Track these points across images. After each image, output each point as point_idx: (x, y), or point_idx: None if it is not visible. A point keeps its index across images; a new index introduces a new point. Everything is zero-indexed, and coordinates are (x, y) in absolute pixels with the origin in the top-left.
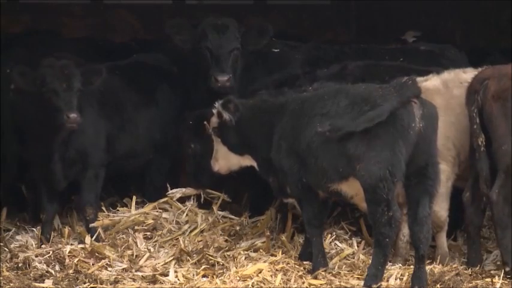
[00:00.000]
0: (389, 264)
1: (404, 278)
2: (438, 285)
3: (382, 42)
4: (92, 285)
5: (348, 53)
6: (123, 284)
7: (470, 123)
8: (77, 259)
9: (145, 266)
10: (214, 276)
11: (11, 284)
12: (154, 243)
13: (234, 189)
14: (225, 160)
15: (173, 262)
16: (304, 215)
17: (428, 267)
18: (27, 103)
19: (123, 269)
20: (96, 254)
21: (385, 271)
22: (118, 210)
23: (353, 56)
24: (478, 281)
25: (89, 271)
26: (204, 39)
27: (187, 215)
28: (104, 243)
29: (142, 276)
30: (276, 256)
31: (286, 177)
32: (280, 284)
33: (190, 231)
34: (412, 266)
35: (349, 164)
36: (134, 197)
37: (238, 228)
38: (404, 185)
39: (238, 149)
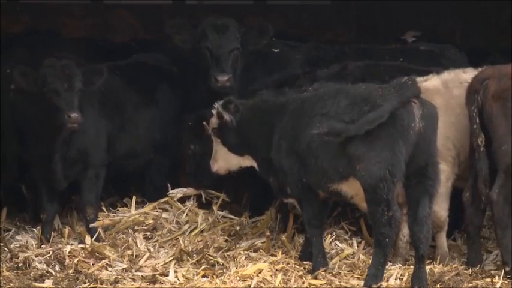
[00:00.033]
0: (389, 264)
1: (404, 278)
2: (438, 285)
3: (382, 42)
4: (92, 285)
5: (348, 53)
6: (123, 284)
7: (470, 123)
8: (77, 259)
9: (145, 266)
10: (214, 276)
11: (11, 284)
12: (154, 243)
13: (234, 189)
14: (224, 160)
15: (173, 262)
16: (304, 215)
17: (428, 267)
18: (28, 103)
19: (123, 269)
20: (96, 254)
21: (385, 271)
22: (118, 210)
23: (353, 56)
24: (478, 281)
25: (89, 271)
26: (204, 39)
27: (187, 215)
28: (104, 243)
29: (142, 276)
30: (276, 256)
31: (286, 177)
32: (280, 284)
33: (190, 231)
34: (412, 266)
35: (349, 164)
36: (134, 197)
37: (238, 228)
38: (404, 185)
39: (238, 149)
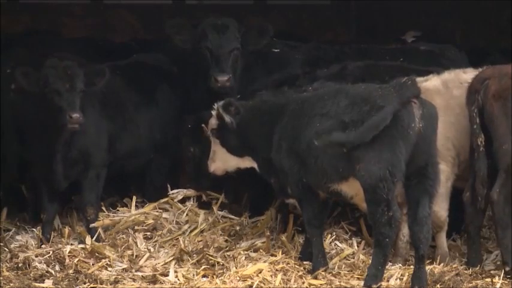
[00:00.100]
0: (390, 264)
1: (404, 278)
2: (438, 285)
3: (382, 43)
4: (92, 285)
5: (348, 53)
6: (123, 284)
7: (471, 123)
8: (77, 259)
9: (145, 266)
10: (214, 276)
11: (11, 284)
12: (154, 243)
13: (234, 189)
14: (222, 161)
15: (173, 262)
16: (305, 215)
17: (428, 267)
18: (29, 103)
19: (123, 269)
20: (96, 254)
21: (385, 271)
22: (118, 210)
23: (353, 56)
24: (478, 281)
25: (89, 271)
26: (204, 39)
27: (187, 215)
28: (104, 243)
29: (142, 276)
30: (276, 256)
31: (286, 177)
32: (280, 284)
33: (190, 231)
34: (412, 266)
35: (349, 164)
36: (134, 197)
37: (238, 228)
38: (404, 185)
39: (238, 150)
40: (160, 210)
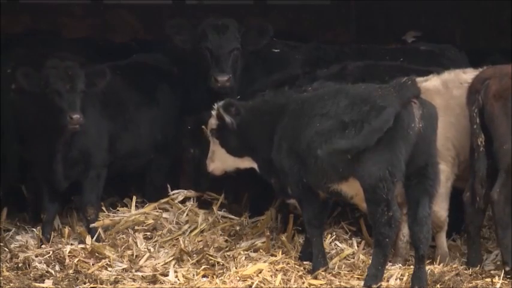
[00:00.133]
0: (390, 264)
1: (404, 278)
2: (438, 285)
3: (382, 43)
4: (92, 285)
5: (348, 53)
6: (123, 284)
7: (471, 123)
8: (77, 259)
9: (145, 266)
10: (214, 276)
11: (11, 284)
12: (155, 243)
13: (234, 189)
14: (221, 162)
15: (173, 262)
16: (305, 215)
17: (428, 267)
18: (29, 103)
19: (123, 269)
20: (96, 254)
21: (385, 271)
22: (118, 210)
23: (353, 56)
24: (478, 281)
25: (89, 271)
26: (204, 39)
27: (187, 215)
28: (104, 243)
29: (142, 276)
30: (276, 256)
31: (286, 177)
32: (280, 284)
33: (190, 231)
34: (412, 266)
35: (349, 164)
36: (134, 197)
37: (238, 228)
38: (404, 185)
39: (238, 151)
40: (160, 210)
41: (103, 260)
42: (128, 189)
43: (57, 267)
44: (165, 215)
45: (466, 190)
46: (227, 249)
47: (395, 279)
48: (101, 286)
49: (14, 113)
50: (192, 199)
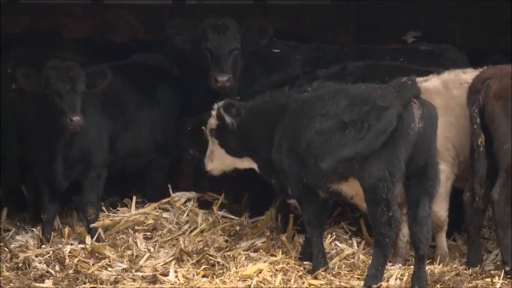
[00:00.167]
0: (389, 264)
1: (404, 278)
2: (438, 285)
3: (382, 43)
4: (92, 285)
5: (348, 53)
6: (123, 284)
7: (471, 123)
8: (77, 259)
9: (145, 266)
10: (214, 276)
11: (11, 284)
12: (155, 243)
13: (235, 189)
14: (220, 162)
15: (173, 262)
16: (305, 215)
17: (428, 267)
18: (30, 103)
19: (123, 269)
20: (96, 254)
21: (385, 271)
22: (118, 210)
23: (353, 56)
24: (478, 281)
25: (89, 271)
26: (204, 39)
27: (187, 215)
28: (104, 243)
29: (142, 276)
30: (276, 256)
31: (286, 177)
32: (280, 284)
33: (191, 231)
34: (412, 266)
35: (349, 165)
36: (134, 197)
37: (238, 228)
38: (404, 185)
39: (238, 151)
40: (160, 210)
41: (103, 260)
42: (128, 189)
43: (57, 267)
44: (165, 215)
45: (466, 190)
46: (227, 249)
47: (395, 279)
48: (101, 286)
49: (14, 113)
50: (192, 200)
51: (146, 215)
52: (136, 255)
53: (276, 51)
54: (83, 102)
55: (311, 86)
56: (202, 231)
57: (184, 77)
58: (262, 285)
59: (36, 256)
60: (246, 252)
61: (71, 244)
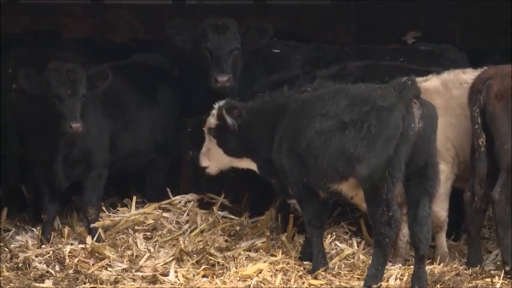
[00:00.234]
0: (390, 264)
1: (404, 278)
2: (438, 285)
3: (382, 43)
4: (92, 285)
5: (348, 53)
6: (123, 284)
7: (472, 123)
8: (77, 259)
9: (145, 266)
10: (214, 276)
11: (11, 284)
12: (155, 243)
13: (235, 189)
14: (217, 161)
15: (173, 262)
16: (305, 215)
17: (428, 267)
18: (30, 103)
19: (123, 269)
20: (96, 254)
21: (385, 271)
22: (118, 211)
23: (353, 56)
24: (478, 281)
25: (89, 271)
26: (204, 39)
27: (187, 215)
28: (104, 243)
29: (142, 276)
30: (276, 256)
31: (287, 177)
32: (280, 284)
33: (191, 232)
34: (412, 266)
35: (349, 164)
36: (134, 197)
37: (238, 228)
38: (404, 185)
39: (237, 152)
40: (161, 210)
41: (103, 260)
42: (128, 189)
43: (57, 267)
44: (165, 215)
45: (466, 190)
46: (227, 249)
47: (395, 279)
48: (101, 286)
49: (14, 113)
50: (192, 201)
51: (146, 215)
52: (136, 255)
53: (276, 51)
54: (83, 104)
55: (311, 86)
56: (202, 231)
57: (184, 77)
58: (262, 285)
59: (36, 256)
60: (246, 252)
61: (71, 244)
